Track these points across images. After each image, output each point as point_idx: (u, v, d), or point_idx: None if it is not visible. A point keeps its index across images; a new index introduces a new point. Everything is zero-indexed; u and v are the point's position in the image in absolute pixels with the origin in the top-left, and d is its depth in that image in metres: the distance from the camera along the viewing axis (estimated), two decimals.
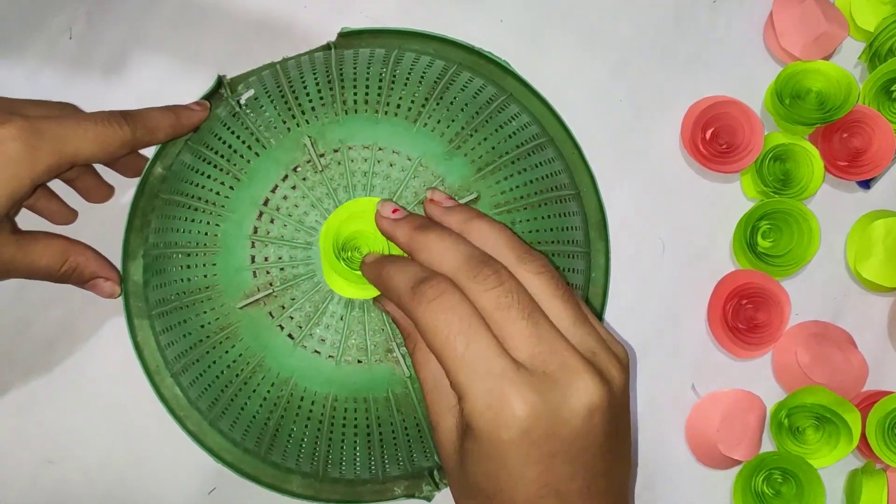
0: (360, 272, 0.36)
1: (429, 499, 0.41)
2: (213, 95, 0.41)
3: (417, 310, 0.29)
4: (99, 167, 0.42)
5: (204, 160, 0.39)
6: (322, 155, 0.37)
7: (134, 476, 0.43)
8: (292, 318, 0.37)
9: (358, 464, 0.39)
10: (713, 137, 0.45)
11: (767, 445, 0.46)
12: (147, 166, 0.41)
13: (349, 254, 0.36)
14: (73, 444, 0.43)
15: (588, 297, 0.43)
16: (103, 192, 0.43)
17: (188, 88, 0.43)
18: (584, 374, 0.29)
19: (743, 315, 0.45)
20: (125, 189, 0.43)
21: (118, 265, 0.41)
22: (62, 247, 0.39)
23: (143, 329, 0.41)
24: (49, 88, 0.44)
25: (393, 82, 0.39)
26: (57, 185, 0.42)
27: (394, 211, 0.34)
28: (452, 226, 0.33)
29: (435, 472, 0.41)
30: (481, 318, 0.29)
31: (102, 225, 0.43)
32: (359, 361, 0.36)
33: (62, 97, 0.41)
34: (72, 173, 0.41)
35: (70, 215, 0.43)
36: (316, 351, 0.37)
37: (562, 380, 0.28)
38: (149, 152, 0.41)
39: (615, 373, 0.30)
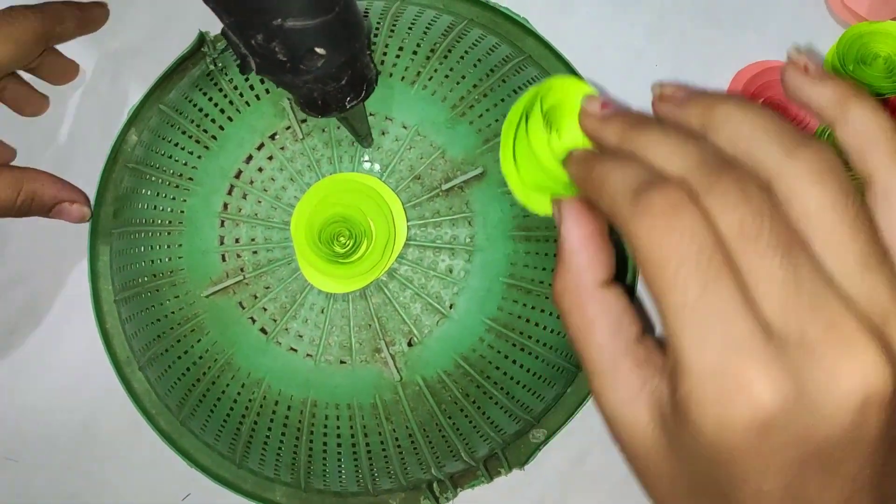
0: (342, 265, 0.32)
1: None
2: (194, 54, 0.38)
3: (637, 224, 0.21)
4: (28, 77, 0.40)
5: (171, 125, 0.36)
6: (304, 121, 0.34)
7: (101, 478, 0.41)
8: (265, 309, 0.33)
9: (343, 476, 0.36)
10: None
11: None
12: (119, 132, 0.38)
13: (330, 245, 0.32)
14: (35, 440, 0.41)
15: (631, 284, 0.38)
16: (36, 103, 0.41)
17: (169, 47, 0.40)
18: (861, 346, 0.20)
19: None
20: (96, 159, 0.40)
21: (86, 245, 0.38)
22: (12, 177, 0.35)
23: (112, 316, 0.39)
24: None
25: (390, 37, 0.35)
26: None
27: (603, 105, 0.25)
28: (692, 121, 0.24)
29: (434, 486, 0.37)
30: (725, 254, 0.21)
31: None
32: (341, 362, 0.33)
33: None
34: None
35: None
36: (292, 348, 0.33)
37: (826, 354, 0.20)
38: (121, 115, 0.38)
39: None
